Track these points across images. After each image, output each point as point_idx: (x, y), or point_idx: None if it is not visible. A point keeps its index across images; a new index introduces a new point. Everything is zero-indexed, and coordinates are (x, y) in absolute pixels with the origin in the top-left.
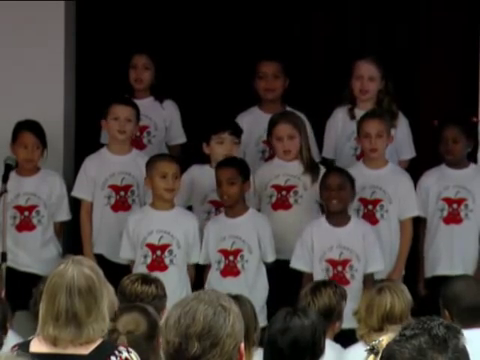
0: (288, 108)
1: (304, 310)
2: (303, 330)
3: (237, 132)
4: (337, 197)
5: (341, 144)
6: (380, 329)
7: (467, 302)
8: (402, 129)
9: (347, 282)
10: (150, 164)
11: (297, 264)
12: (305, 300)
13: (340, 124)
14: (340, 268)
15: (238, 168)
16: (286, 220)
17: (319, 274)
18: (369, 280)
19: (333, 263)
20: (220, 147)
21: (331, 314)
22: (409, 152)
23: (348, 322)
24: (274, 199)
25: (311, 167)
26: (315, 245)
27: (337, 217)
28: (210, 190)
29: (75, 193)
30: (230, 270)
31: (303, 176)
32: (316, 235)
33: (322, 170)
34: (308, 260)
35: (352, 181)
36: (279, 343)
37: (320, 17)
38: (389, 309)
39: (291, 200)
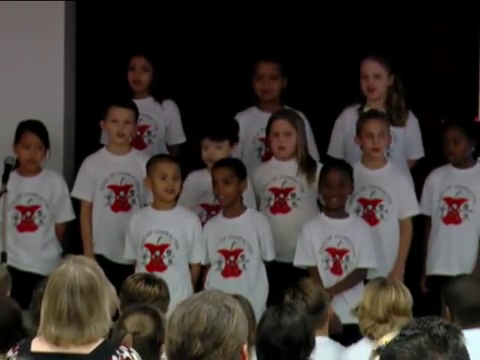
0: (287, 108)
1: (291, 306)
2: (294, 326)
3: (218, 137)
4: (337, 194)
5: (349, 144)
6: (385, 320)
7: (468, 302)
8: (412, 128)
9: (340, 272)
10: (150, 165)
11: (301, 261)
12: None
13: (348, 124)
14: (338, 257)
15: (233, 168)
16: (285, 223)
17: (320, 265)
18: (359, 275)
19: (332, 252)
20: (203, 152)
21: (323, 302)
22: (418, 152)
23: (345, 318)
24: (272, 202)
25: (307, 166)
26: (314, 238)
27: (336, 212)
28: (201, 193)
29: (75, 193)
30: (231, 270)
31: (300, 177)
32: (315, 228)
33: (319, 166)
34: (311, 255)
35: (351, 174)
36: (273, 341)
37: (320, 17)
38: (394, 301)
39: (289, 203)
